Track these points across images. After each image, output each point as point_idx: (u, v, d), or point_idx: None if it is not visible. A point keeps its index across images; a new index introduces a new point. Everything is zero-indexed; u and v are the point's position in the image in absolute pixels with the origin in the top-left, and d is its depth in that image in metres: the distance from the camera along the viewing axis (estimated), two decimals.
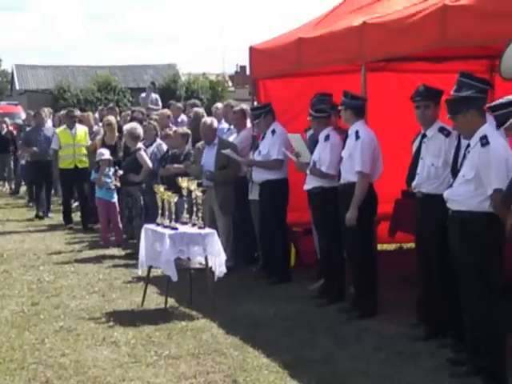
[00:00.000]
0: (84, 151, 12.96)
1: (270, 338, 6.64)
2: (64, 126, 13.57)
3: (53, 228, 13.23)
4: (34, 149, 14.05)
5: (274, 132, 8.77)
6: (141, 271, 8.15)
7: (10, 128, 19.56)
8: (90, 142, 13.05)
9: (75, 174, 13.04)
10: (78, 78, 42.41)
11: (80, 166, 13.05)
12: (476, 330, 5.54)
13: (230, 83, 46.07)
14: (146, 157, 10.48)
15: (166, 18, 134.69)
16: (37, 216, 14.29)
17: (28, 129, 15.66)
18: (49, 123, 17.99)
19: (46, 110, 19.08)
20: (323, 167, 7.69)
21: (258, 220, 9.08)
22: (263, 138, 8.89)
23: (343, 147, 7.34)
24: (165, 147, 10.86)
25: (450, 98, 5.64)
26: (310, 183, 7.91)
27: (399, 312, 7.12)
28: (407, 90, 8.05)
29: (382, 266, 7.58)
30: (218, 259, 7.54)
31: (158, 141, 10.98)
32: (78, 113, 14.24)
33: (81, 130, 13.32)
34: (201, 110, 11.61)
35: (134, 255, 10.25)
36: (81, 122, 13.69)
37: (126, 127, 10.96)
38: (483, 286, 5.38)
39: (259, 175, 8.84)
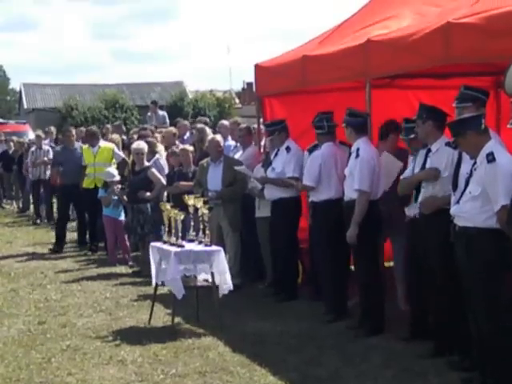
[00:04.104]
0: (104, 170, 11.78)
1: (277, 355, 6.63)
2: (88, 144, 12.74)
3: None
4: (59, 168, 13.04)
5: (288, 149, 8.68)
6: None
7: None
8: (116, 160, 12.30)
9: (95, 194, 11.97)
10: (86, 96, 42.63)
11: (98, 184, 12.01)
12: (484, 346, 5.53)
13: (237, 100, 46.23)
14: (158, 174, 10.51)
15: (172, 36, 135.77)
16: (55, 251, 12.62)
17: (57, 149, 14.27)
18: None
19: (52, 128, 19.24)
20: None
21: (265, 237, 9.07)
22: (276, 154, 8.79)
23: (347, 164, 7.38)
24: (163, 162, 10.91)
25: (449, 122, 5.71)
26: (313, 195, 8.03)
27: (407, 329, 7.08)
28: (412, 106, 8.08)
29: (389, 283, 7.58)
30: (223, 276, 7.54)
31: (156, 156, 11.06)
32: (95, 128, 13.44)
33: (104, 148, 12.43)
34: (201, 125, 11.59)
35: (140, 273, 10.30)
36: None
37: (133, 146, 11.00)
38: (490, 302, 5.37)
39: (272, 192, 8.75)
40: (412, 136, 6.80)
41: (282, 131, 8.77)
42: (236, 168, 9.13)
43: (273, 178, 8.75)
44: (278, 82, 9.08)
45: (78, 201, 12.94)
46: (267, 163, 8.96)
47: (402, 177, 6.82)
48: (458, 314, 5.99)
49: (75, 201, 13.06)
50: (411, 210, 6.64)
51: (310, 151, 8.33)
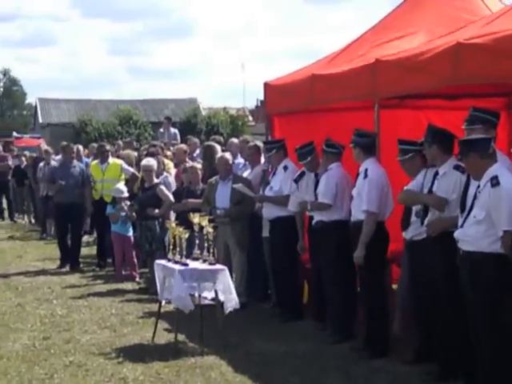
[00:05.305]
0: (113, 187, 11.63)
1: (281, 376, 6.56)
2: (97, 161, 12.77)
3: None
4: (61, 182, 12.40)
5: (285, 168, 8.73)
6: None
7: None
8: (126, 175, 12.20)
9: (103, 206, 11.94)
10: (100, 111, 42.83)
11: (107, 199, 11.90)
12: (488, 371, 5.44)
13: (251, 117, 46.28)
14: (166, 191, 10.49)
15: (187, 53, 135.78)
16: (62, 266, 12.51)
17: (55, 165, 13.97)
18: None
19: (64, 143, 19.22)
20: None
21: (270, 257, 9.01)
22: (274, 173, 8.85)
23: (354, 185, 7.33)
24: (171, 179, 10.89)
25: (458, 140, 5.65)
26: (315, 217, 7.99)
27: (411, 352, 6.97)
28: (422, 126, 7.99)
29: (395, 305, 7.49)
30: (227, 295, 7.48)
31: (164, 173, 11.06)
32: (108, 147, 13.36)
33: (112, 164, 12.39)
34: (212, 143, 11.52)
35: (148, 290, 10.26)
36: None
37: (143, 162, 11.00)
38: (496, 326, 5.30)
39: (270, 211, 8.78)
40: (407, 157, 6.73)
41: (280, 150, 8.78)
42: (234, 186, 9.13)
43: (270, 195, 8.73)
44: (286, 101, 9.05)
45: (76, 220, 12.61)
46: (265, 182, 8.98)
47: (405, 187, 6.71)
48: (463, 338, 5.90)
49: (72, 219, 12.57)
50: (409, 233, 6.59)
51: (296, 181, 8.33)
